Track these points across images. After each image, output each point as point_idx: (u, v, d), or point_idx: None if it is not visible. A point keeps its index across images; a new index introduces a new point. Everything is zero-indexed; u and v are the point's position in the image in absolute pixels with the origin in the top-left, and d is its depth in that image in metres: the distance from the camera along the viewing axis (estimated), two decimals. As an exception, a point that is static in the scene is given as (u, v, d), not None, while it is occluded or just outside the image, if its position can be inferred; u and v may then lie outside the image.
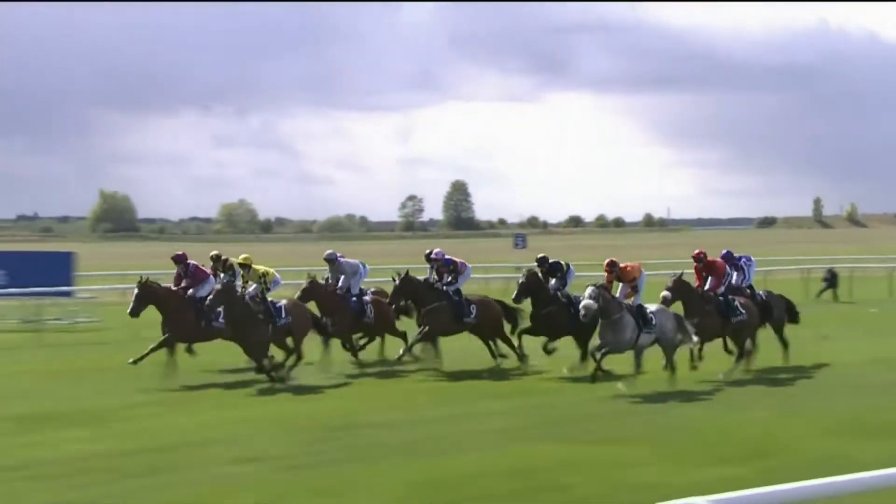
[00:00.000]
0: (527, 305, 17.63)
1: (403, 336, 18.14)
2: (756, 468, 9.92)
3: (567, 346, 17.32)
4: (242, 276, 16.54)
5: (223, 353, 17.64)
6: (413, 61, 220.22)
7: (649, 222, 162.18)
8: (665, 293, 16.07)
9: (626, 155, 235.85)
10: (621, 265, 16.12)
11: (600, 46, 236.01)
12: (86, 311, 26.22)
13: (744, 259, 18.51)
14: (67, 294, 26.18)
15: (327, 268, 18.61)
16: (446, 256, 17.98)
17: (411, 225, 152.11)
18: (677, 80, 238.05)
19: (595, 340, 15.58)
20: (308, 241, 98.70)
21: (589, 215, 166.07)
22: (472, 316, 17.57)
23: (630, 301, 15.62)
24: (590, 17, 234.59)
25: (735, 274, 18.00)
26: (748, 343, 17.04)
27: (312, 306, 17.72)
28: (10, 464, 10.80)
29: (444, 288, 17.56)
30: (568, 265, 18.23)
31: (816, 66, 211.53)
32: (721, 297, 16.85)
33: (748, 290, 18.17)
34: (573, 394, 14.71)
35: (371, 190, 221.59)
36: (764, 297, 18.15)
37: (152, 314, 16.93)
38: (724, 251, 18.28)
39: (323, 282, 18.19)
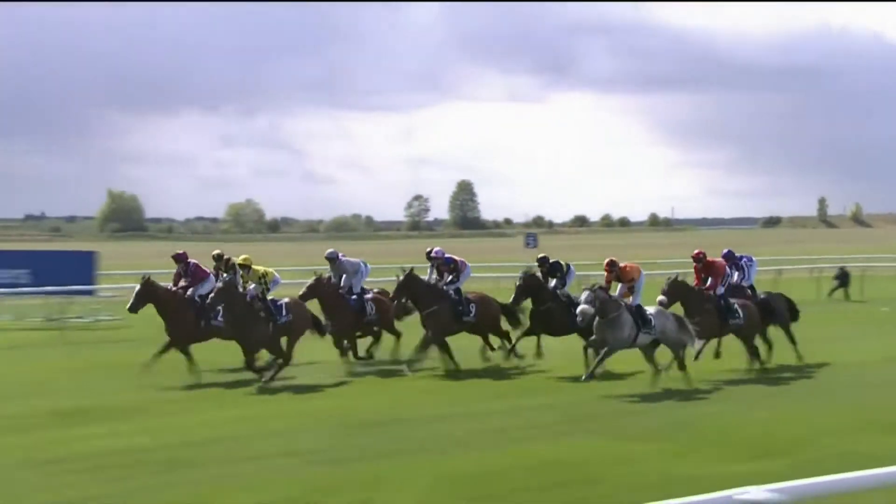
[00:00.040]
0: (527, 305, 17.77)
1: (399, 336, 18.46)
2: (782, 463, 10.08)
3: (567, 346, 17.36)
4: (242, 277, 16.64)
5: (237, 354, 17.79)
6: (417, 61, 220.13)
7: (654, 222, 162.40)
8: (661, 297, 16.14)
9: (631, 155, 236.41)
10: (621, 265, 16.16)
11: (604, 47, 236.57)
12: (107, 309, 26.52)
13: (745, 259, 18.62)
14: (89, 293, 26.48)
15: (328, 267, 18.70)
16: (446, 255, 18.10)
17: (417, 224, 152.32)
18: (682, 81, 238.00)
19: (593, 338, 15.49)
20: (315, 240, 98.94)
21: (593, 215, 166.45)
22: (472, 314, 17.71)
23: (628, 301, 15.68)
24: (594, 18, 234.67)
25: (736, 274, 18.14)
26: (753, 342, 17.14)
27: (313, 306, 17.82)
28: (46, 457, 11.06)
29: (446, 287, 17.71)
30: (568, 265, 18.33)
31: (821, 66, 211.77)
32: (721, 299, 16.89)
33: (748, 290, 18.25)
34: (588, 391, 14.86)
35: (375, 190, 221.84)
36: (764, 297, 18.22)
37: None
38: (725, 250, 18.41)
39: (327, 279, 18.26)
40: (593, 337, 15.30)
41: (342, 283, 18.17)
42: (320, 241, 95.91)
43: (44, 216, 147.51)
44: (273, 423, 12.92)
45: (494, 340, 18.34)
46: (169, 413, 13.77)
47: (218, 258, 18.57)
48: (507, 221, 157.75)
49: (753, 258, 19.12)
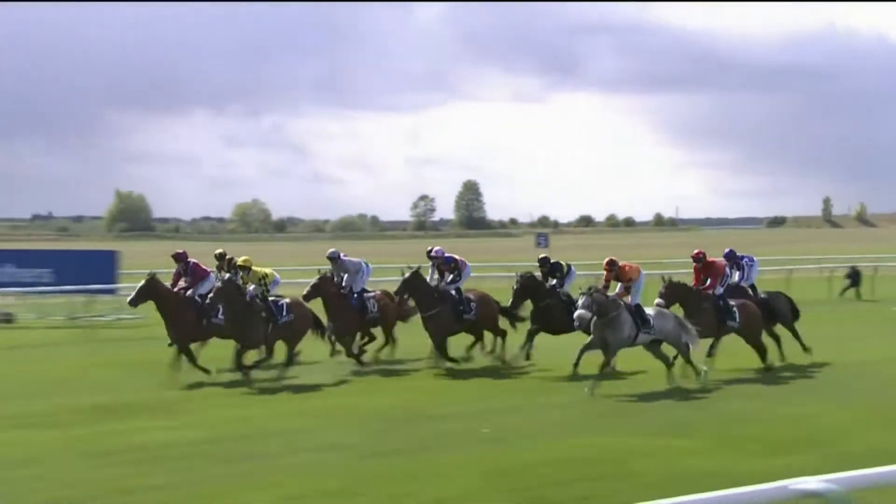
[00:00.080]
0: (527, 305, 17.86)
1: (394, 339, 18.66)
2: (815, 458, 10.22)
3: (569, 347, 17.27)
4: (242, 279, 16.70)
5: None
6: (422, 62, 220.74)
7: (659, 222, 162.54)
8: (658, 300, 16.14)
9: (635, 155, 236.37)
10: (620, 264, 16.18)
11: (609, 47, 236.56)
12: (129, 308, 26.75)
13: (746, 259, 18.60)
14: (111, 292, 26.73)
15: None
16: (446, 254, 18.19)
17: (423, 224, 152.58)
18: (686, 81, 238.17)
19: (590, 339, 15.47)
20: (321, 240, 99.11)
21: (597, 215, 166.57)
22: (473, 312, 17.82)
23: (626, 300, 15.70)
24: (598, 18, 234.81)
25: (737, 274, 18.18)
26: (760, 342, 17.18)
27: (315, 304, 17.92)
28: (97, 450, 11.30)
29: (447, 287, 17.81)
30: (569, 266, 18.37)
31: (824, 66, 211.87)
32: (719, 299, 16.91)
33: (749, 290, 18.26)
34: (614, 388, 15.02)
35: (380, 190, 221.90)
36: (765, 297, 18.24)
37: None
38: (726, 250, 18.46)
39: (331, 278, 18.30)
40: (590, 338, 15.34)
41: (344, 283, 18.26)
42: (326, 240, 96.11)
43: (51, 216, 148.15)
44: (304, 419, 13.13)
45: (490, 342, 18.36)
46: (201, 408, 14.03)
47: (220, 257, 18.76)
48: (513, 221, 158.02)
49: (755, 258, 19.12)
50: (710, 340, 16.83)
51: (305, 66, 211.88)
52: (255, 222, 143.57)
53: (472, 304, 17.88)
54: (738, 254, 18.51)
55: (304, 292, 17.69)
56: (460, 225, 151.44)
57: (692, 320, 15.99)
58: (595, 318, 15.08)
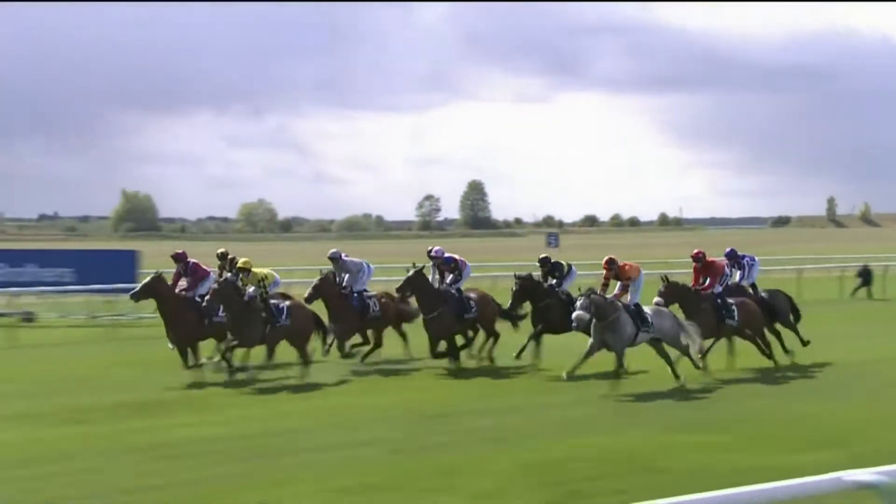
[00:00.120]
0: (526, 306, 17.91)
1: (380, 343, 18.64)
2: (842, 454, 10.29)
3: (570, 346, 17.29)
4: (242, 280, 16.75)
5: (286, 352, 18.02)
6: (425, 62, 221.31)
7: (664, 221, 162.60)
8: (658, 299, 16.19)
9: (639, 155, 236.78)
10: (620, 263, 16.18)
11: (612, 47, 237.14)
12: (149, 307, 26.96)
13: (747, 258, 18.60)
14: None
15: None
16: (446, 254, 18.26)
17: (428, 224, 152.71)
18: (689, 81, 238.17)
19: (591, 343, 15.46)
20: (327, 240, 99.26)
21: (601, 215, 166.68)
22: (473, 310, 17.89)
23: (625, 299, 15.74)
24: (602, 18, 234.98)
25: (738, 273, 18.21)
26: (765, 339, 17.30)
27: (316, 306, 17.95)
28: (136, 445, 11.51)
29: (449, 287, 17.88)
30: (570, 266, 18.37)
31: (829, 66, 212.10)
32: (718, 298, 16.92)
33: (749, 289, 18.29)
34: (639, 386, 15.21)
35: (383, 190, 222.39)
36: (766, 297, 18.25)
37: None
38: (728, 249, 18.52)
39: (333, 278, 18.34)
40: (591, 343, 15.34)
41: (345, 283, 18.31)
42: (332, 240, 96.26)
43: (57, 216, 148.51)
44: (334, 416, 13.33)
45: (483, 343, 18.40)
46: (224, 406, 14.22)
47: (222, 257, 18.94)
48: (518, 221, 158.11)
49: (756, 257, 19.11)
50: (709, 341, 16.86)
51: (308, 67, 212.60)
52: (261, 222, 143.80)
53: (472, 303, 17.96)
54: (739, 253, 18.53)
55: (306, 294, 17.80)
56: (465, 225, 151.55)
57: (691, 320, 16.08)
58: (595, 321, 15.10)
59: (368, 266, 18.80)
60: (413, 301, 18.25)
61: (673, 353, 15.90)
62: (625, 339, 15.23)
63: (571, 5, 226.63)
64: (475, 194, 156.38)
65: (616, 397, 14.46)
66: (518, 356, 17.50)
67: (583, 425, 12.68)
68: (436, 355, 17.74)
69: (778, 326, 18.26)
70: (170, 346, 17.15)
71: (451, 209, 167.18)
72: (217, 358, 16.93)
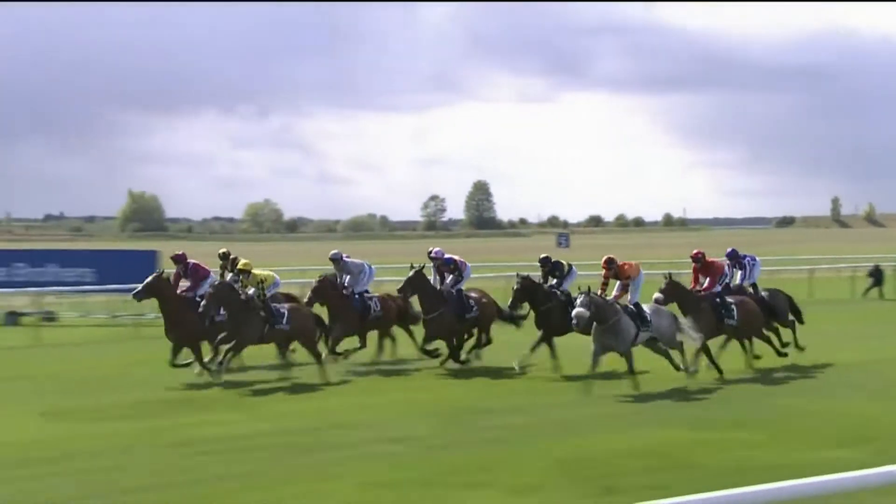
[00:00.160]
0: (525, 306, 17.91)
1: (393, 340, 18.82)
2: (869, 450, 10.48)
3: (567, 346, 17.33)
4: (242, 282, 16.79)
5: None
6: (429, 62, 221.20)
7: (669, 222, 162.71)
8: (658, 295, 16.19)
9: (641, 155, 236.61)
10: (619, 263, 16.13)
11: (615, 47, 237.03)
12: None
13: (748, 258, 18.55)
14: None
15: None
16: (446, 255, 18.32)
17: (433, 224, 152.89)
18: (693, 81, 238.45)
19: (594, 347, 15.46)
20: (333, 240, 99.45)
21: (603, 215, 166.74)
22: (474, 310, 17.94)
23: (626, 299, 15.76)
24: (605, 19, 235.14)
25: (739, 273, 18.18)
26: (762, 338, 17.36)
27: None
28: (179, 440, 11.71)
29: (450, 289, 17.94)
30: (570, 266, 18.32)
31: (832, 66, 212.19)
32: (717, 298, 16.90)
33: (751, 289, 18.25)
34: (658, 384, 15.26)
35: (387, 190, 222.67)
36: (766, 297, 18.20)
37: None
38: (729, 249, 18.50)
39: (333, 279, 18.35)
40: (594, 347, 15.34)
41: (346, 284, 18.32)
42: (338, 241, 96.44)
43: (62, 216, 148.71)
44: (360, 414, 13.44)
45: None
46: (248, 405, 14.37)
47: (224, 257, 19.00)
48: (523, 221, 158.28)
49: (756, 257, 19.04)
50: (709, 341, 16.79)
51: (312, 67, 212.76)
52: (267, 222, 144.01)
53: (472, 302, 18.01)
54: (740, 253, 18.50)
55: (306, 298, 17.82)
56: (470, 225, 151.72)
57: (691, 320, 16.16)
58: (595, 324, 15.11)
59: (370, 267, 18.80)
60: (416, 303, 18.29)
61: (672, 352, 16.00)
62: (629, 341, 15.27)
63: (574, 5, 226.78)
64: (480, 194, 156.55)
65: (624, 397, 14.50)
66: (520, 366, 17.02)
67: (620, 420, 12.84)
68: (426, 352, 17.94)
69: (778, 327, 18.24)
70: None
71: (454, 209, 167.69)
72: (220, 358, 16.70)
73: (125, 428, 12.59)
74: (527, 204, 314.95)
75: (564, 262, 18.40)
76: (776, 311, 18.12)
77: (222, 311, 16.67)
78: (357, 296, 18.20)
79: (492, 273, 32.64)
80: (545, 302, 17.35)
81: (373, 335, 18.75)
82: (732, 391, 15.11)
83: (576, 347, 16.55)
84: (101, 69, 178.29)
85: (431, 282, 18.10)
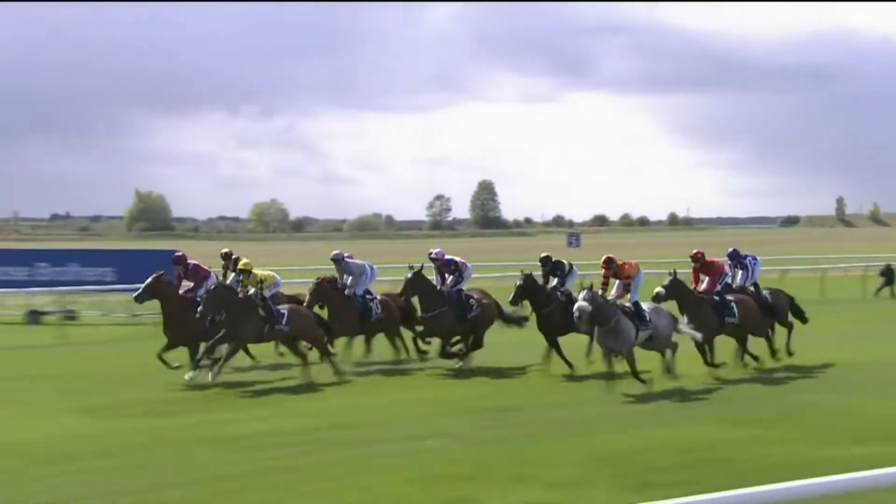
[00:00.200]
0: (525, 306, 17.96)
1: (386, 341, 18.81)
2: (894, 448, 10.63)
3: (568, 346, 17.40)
4: (242, 282, 16.85)
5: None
6: (434, 62, 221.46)
7: (674, 221, 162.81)
8: (659, 289, 16.27)
9: (646, 155, 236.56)
10: (619, 262, 16.11)
11: (620, 47, 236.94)
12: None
13: (749, 258, 18.49)
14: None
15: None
16: (446, 256, 18.31)
17: (439, 224, 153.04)
18: (697, 81, 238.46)
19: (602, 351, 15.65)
20: (339, 240, 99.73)
21: (608, 214, 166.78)
22: (476, 309, 17.94)
23: (627, 298, 15.82)
24: (609, 19, 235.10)
25: (740, 273, 18.15)
26: (764, 335, 17.48)
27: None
28: (222, 436, 11.95)
29: (451, 290, 17.94)
30: (571, 265, 18.35)
31: (837, 66, 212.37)
32: (717, 298, 16.92)
33: (752, 289, 18.21)
34: (681, 382, 15.40)
35: (392, 190, 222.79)
36: (768, 297, 18.18)
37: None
38: (730, 249, 18.47)
39: (331, 280, 18.39)
40: (602, 350, 15.47)
41: (347, 285, 18.30)
42: (344, 240, 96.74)
43: (69, 216, 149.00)
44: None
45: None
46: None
47: (226, 256, 19.06)
48: (528, 221, 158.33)
49: (758, 257, 18.95)
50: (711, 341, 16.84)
51: (316, 67, 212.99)
52: (273, 222, 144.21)
53: (473, 302, 18.03)
54: (741, 253, 18.47)
55: (305, 301, 17.76)
56: (476, 225, 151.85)
57: (691, 320, 16.24)
58: (597, 326, 15.22)
59: (371, 268, 18.78)
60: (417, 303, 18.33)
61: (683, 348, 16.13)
62: (630, 342, 15.32)
63: (578, 6, 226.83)
64: (485, 194, 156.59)
65: (646, 396, 14.55)
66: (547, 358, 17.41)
67: (649, 417, 13.02)
68: (420, 349, 18.14)
69: (778, 329, 18.23)
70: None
71: (460, 209, 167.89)
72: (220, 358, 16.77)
73: (139, 426, 12.79)
74: (531, 204, 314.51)
75: (565, 262, 18.41)
76: (777, 311, 18.15)
77: (222, 312, 16.72)
78: (359, 297, 18.23)
79: (497, 273, 32.74)
80: (547, 305, 17.35)
81: (380, 338, 18.86)
82: (752, 390, 15.25)
83: (579, 346, 16.80)
84: (106, 69, 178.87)
85: (432, 282, 18.15)
